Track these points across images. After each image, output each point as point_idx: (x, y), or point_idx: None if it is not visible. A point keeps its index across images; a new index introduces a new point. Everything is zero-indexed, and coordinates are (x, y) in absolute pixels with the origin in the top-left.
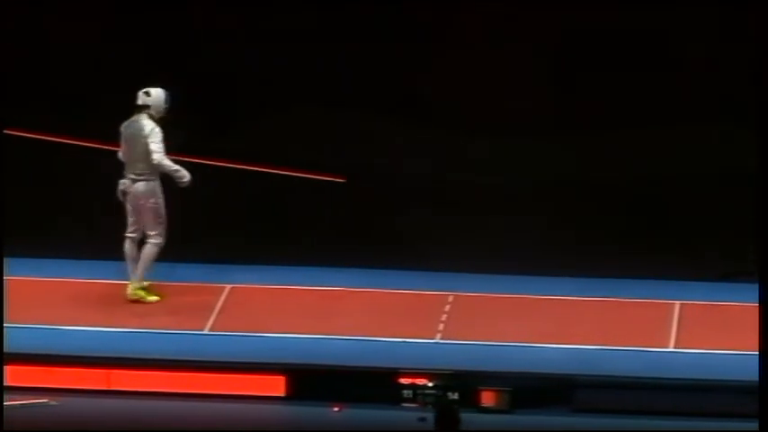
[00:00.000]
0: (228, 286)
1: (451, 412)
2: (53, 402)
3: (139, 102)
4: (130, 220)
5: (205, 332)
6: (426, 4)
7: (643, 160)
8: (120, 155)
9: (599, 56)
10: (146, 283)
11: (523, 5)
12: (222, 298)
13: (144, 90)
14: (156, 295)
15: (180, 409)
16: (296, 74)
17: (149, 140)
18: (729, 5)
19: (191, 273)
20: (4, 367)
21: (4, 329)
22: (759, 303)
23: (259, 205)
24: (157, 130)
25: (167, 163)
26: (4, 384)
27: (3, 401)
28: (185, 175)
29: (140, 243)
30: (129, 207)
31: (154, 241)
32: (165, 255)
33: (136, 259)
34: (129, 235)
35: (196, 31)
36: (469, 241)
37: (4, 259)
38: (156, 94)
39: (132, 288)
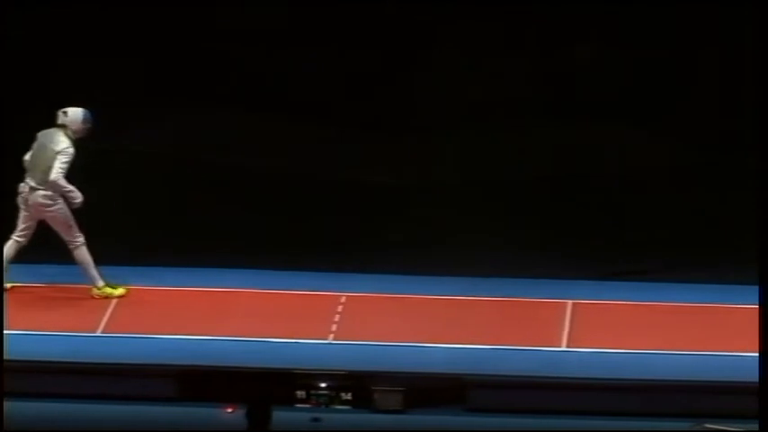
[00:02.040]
0: (120, 286)
1: (263, 408)
2: None
3: (58, 121)
4: (21, 225)
5: (97, 334)
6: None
7: (542, 159)
8: (26, 159)
9: None
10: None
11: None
12: (114, 300)
13: (63, 110)
14: (121, 289)
15: (69, 410)
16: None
17: (57, 158)
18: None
19: (81, 274)
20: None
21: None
22: (759, 304)
23: (153, 207)
24: (70, 150)
25: (62, 183)
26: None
27: (3, 402)
28: (78, 196)
29: (23, 249)
30: (23, 213)
31: (77, 243)
32: (56, 256)
33: (9, 259)
34: (17, 238)
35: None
36: (360, 241)
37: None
38: (74, 114)
39: (97, 289)
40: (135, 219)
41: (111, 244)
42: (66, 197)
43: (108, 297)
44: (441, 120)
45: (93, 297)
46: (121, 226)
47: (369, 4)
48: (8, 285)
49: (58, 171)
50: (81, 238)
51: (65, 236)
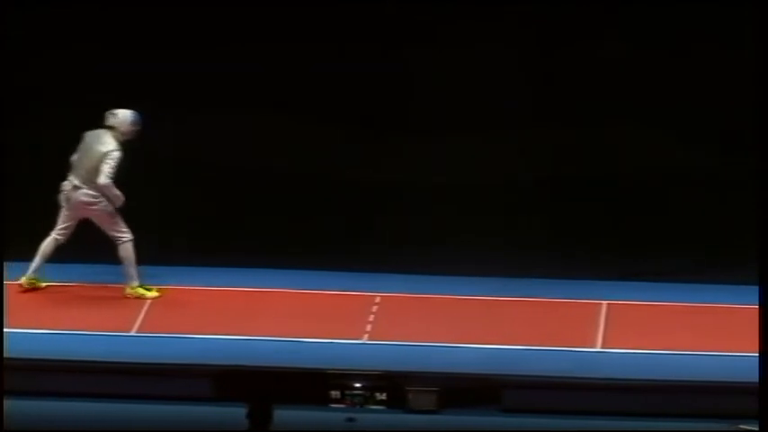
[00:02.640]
0: (155, 287)
1: (265, 408)
2: None
3: (107, 122)
4: (61, 223)
5: (132, 333)
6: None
7: (570, 159)
8: (73, 159)
9: None
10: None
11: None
12: (148, 300)
13: (112, 111)
14: (155, 291)
15: (106, 410)
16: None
17: (104, 161)
18: None
19: (119, 272)
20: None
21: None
22: (759, 304)
23: (189, 207)
24: (117, 153)
25: (112, 188)
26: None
27: (3, 402)
28: (121, 198)
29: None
30: (65, 212)
31: (124, 239)
32: (90, 255)
33: (47, 257)
34: (56, 236)
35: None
36: (395, 242)
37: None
38: (123, 116)
39: (130, 288)
40: (168, 219)
41: (144, 243)
42: (111, 199)
43: (140, 298)
44: (465, 119)
45: (126, 297)
46: (155, 226)
47: (372, 4)
48: (42, 284)
49: (106, 175)
50: (128, 235)
51: (111, 232)
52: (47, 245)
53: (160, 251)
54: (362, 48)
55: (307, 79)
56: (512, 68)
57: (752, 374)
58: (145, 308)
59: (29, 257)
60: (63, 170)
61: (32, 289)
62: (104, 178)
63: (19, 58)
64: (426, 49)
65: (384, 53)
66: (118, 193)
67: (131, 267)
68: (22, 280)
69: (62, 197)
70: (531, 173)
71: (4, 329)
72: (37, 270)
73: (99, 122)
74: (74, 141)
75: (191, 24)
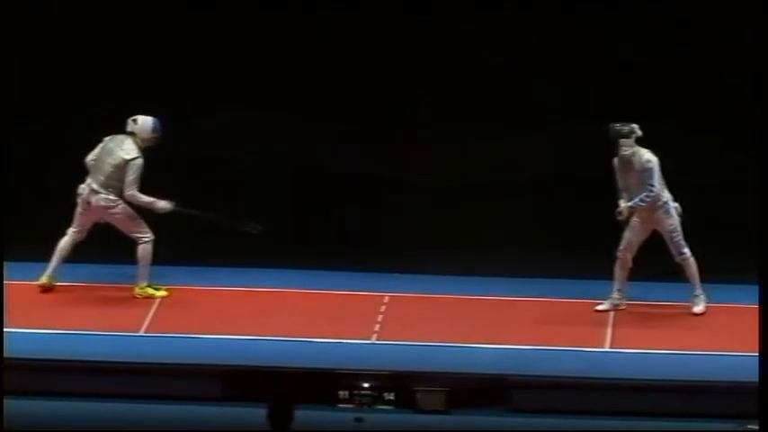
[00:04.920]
0: (163, 287)
1: (285, 408)
2: None
3: (127, 128)
4: (78, 224)
5: (141, 333)
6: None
7: (571, 158)
8: (89, 159)
9: None
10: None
11: None
12: (156, 300)
13: (133, 117)
14: (163, 290)
15: (113, 410)
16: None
17: (128, 171)
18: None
19: (126, 273)
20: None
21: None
22: (759, 304)
23: (196, 207)
24: (140, 161)
25: (139, 196)
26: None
27: (3, 402)
28: (162, 206)
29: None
30: (82, 215)
31: (145, 239)
32: (98, 255)
33: (64, 257)
34: (73, 235)
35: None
36: (403, 242)
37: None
38: (143, 122)
39: (139, 288)
40: (177, 219)
41: (154, 243)
42: (150, 209)
43: (149, 297)
44: (475, 118)
45: (135, 296)
46: (164, 225)
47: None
48: (56, 284)
49: (131, 186)
50: (149, 235)
51: (132, 233)
52: (64, 244)
53: (168, 251)
54: (371, 46)
55: (315, 77)
56: (518, 69)
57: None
58: (153, 308)
59: (29, 258)
60: (64, 170)
61: (50, 289)
62: (129, 190)
63: (19, 59)
64: (447, 49)
65: (392, 53)
66: (150, 199)
67: (146, 268)
68: (43, 280)
69: (80, 201)
70: (551, 171)
71: (5, 329)
72: (55, 270)
73: (98, 122)
74: (77, 141)
75: (198, 23)
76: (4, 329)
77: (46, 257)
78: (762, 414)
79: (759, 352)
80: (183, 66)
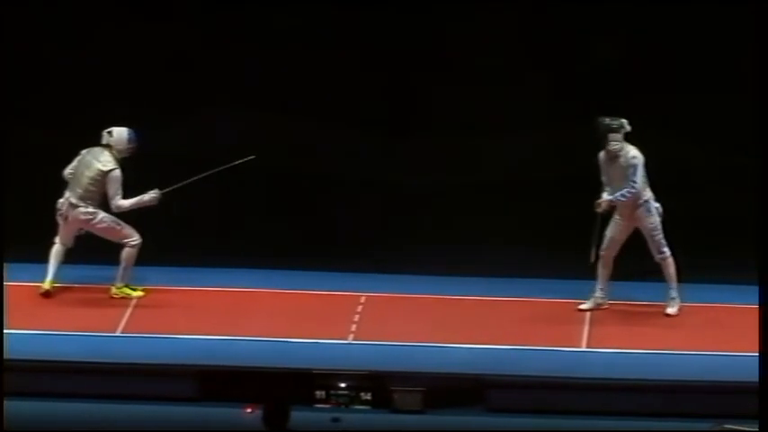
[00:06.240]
0: (139, 287)
1: (281, 408)
2: None
3: (103, 141)
4: (61, 234)
5: (116, 334)
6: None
7: (552, 160)
8: (67, 172)
9: None
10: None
11: None
12: (133, 300)
13: (108, 129)
14: (140, 291)
15: (87, 410)
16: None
17: (108, 185)
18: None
19: (102, 274)
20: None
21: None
22: (759, 304)
23: (169, 206)
24: (118, 173)
25: (125, 204)
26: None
27: (3, 402)
28: (149, 199)
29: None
30: (62, 224)
31: (132, 243)
32: (75, 257)
33: (60, 261)
34: (61, 244)
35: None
36: (378, 242)
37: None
38: (119, 134)
39: (116, 288)
40: (155, 219)
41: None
42: (141, 207)
43: (126, 297)
44: (457, 121)
45: (111, 297)
46: (142, 226)
47: (387, 6)
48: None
49: (115, 198)
50: (137, 238)
51: (118, 240)
52: (56, 251)
53: (144, 251)
54: (370, 49)
55: (311, 79)
56: (513, 70)
57: (741, 373)
58: (130, 308)
59: (29, 258)
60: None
61: (51, 294)
62: (116, 203)
63: (20, 58)
64: (446, 50)
65: (403, 54)
66: (135, 201)
67: (127, 269)
68: (47, 285)
69: (60, 216)
70: (532, 171)
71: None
72: (55, 274)
73: (98, 124)
74: (74, 141)
75: (200, 24)
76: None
77: (43, 259)
78: (762, 414)
79: (759, 352)
80: (180, 66)
